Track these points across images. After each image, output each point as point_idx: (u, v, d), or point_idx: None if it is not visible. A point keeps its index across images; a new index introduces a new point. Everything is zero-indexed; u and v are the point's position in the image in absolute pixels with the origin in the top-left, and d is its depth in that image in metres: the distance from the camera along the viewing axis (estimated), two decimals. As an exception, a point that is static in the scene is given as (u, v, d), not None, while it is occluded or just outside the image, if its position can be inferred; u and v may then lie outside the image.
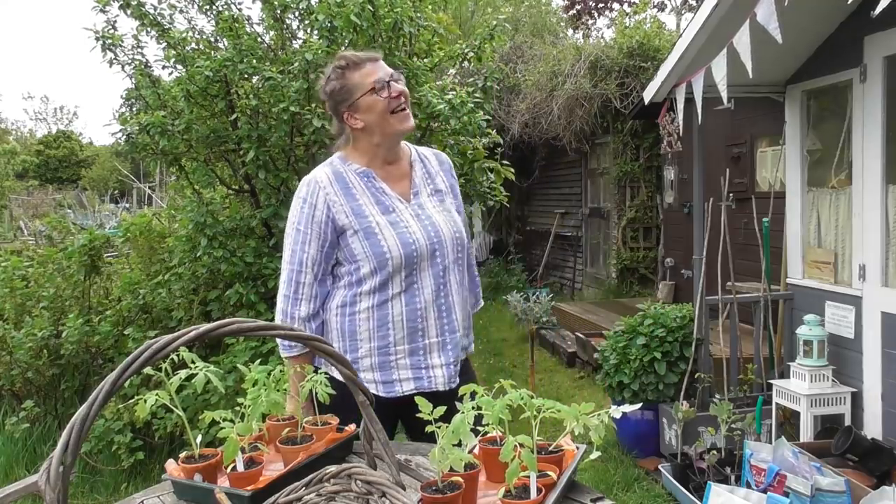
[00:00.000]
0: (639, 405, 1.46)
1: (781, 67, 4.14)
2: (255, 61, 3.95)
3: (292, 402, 1.63)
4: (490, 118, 4.43)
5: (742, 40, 3.10)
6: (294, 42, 4.50)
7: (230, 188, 4.51)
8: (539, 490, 1.23)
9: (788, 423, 4.05)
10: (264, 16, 4.44)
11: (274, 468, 1.43)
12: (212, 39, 4.44)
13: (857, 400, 3.67)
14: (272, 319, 3.82)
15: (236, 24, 4.11)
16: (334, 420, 1.60)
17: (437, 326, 1.90)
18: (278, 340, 1.76)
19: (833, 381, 3.71)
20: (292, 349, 1.88)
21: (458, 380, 1.92)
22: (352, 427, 1.59)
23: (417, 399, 1.30)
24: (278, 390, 1.50)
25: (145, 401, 1.37)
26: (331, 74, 1.93)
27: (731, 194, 4.58)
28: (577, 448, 1.43)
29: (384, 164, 1.95)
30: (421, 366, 1.89)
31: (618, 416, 1.28)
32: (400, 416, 1.99)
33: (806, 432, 3.64)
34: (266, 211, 4.10)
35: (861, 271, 3.66)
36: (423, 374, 1.89)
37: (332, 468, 1.17)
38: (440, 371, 1.90)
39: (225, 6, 4.25)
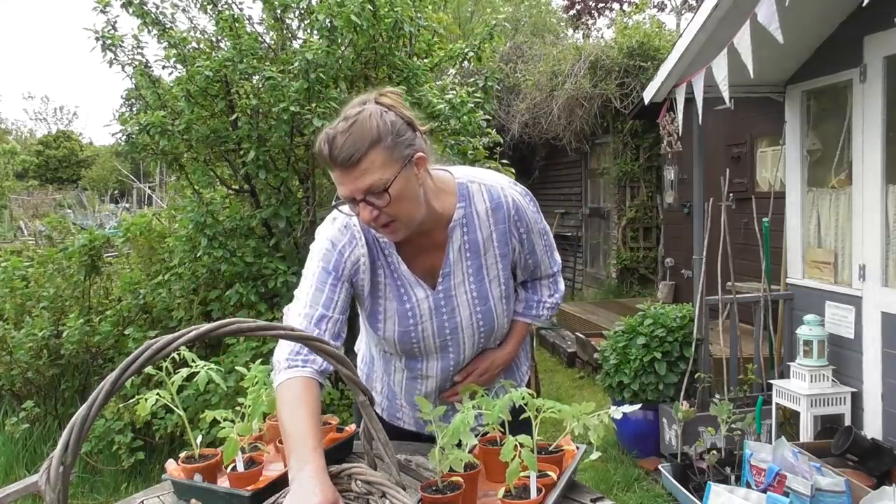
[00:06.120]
0: (639, 405, 1.46)
1: (781, 67, 4.14)
2: (255, 61, 3.95)
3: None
4: (490, 118, 4.43)
5: (743, 40, 3.10)
6: (294, 42, 4.50)
7: (230, 188, 4.51)
8: (539, 490, 1.23)
9: (788, 423, 4.05)
10: (265, 16, 4.45)
11: (274, 468, 1.43)
12: (213, 39, 4.44)
13: (857, 400, 3.67)
14: (272, 319, 3.84)
15: (237, 24, 4.12)
16: (334, 420, 1.60)
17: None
18: (274, 361, 1.42)
19: (833, 381, 3.71)
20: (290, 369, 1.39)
21: None
22: (352, 427, 1.59)
23: (417, 399, 1.30)
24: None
25: (146, 400, 1.37)
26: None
27: (731, 194, 4.57)
28: (577, 448, 1.43)
29: (409, 236, 1.50)
30: (423, 422, 1.70)
31: (618, 416, 1.28)
32: None
33: (806, 432, 3.64)
34: (266, 211, 4.10)
35: (861, 271, 3.66)
36: (423, 427, 1.71)
37: (332, 468, 1.17)
38: None
39: (226, 6, 4.26)
